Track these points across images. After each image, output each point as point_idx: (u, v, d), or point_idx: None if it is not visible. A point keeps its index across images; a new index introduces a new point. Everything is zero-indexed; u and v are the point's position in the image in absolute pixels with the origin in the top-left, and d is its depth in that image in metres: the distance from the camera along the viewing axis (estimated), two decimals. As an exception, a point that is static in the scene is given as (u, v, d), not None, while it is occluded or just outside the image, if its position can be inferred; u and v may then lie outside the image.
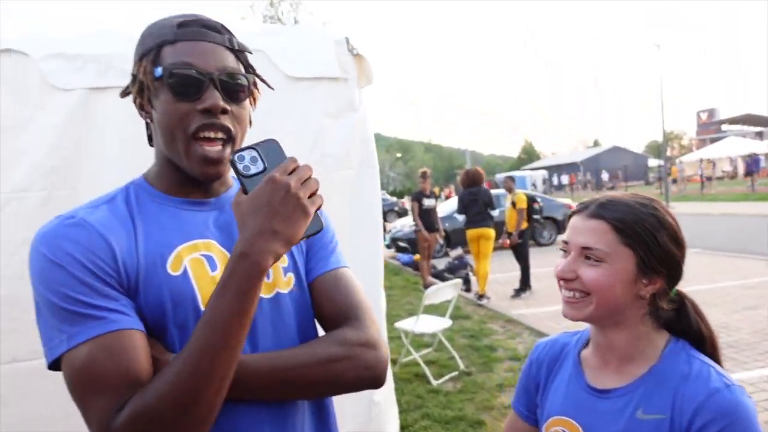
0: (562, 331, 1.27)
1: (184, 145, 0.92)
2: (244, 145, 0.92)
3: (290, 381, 0.90)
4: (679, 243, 1.04)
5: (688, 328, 1.07)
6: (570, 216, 1.10)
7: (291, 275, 1.03)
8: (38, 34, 1.99)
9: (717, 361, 1.05)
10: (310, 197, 0.85)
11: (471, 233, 7.87)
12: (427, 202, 8.83)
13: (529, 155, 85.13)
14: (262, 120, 2.11)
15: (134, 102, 0.99)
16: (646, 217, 1.01)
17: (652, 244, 1.00)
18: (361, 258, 2.22)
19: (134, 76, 0.97)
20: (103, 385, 0.79)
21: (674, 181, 29.71)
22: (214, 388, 0.80)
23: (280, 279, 1.01)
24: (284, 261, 1.02)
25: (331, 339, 0.96)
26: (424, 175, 9.08)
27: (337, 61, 2.11)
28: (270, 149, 0.88)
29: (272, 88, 1.10)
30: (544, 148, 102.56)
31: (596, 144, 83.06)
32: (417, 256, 11.23)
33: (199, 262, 0.92)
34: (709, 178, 29.37)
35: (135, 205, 0.95)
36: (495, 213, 8.07)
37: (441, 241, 8.88)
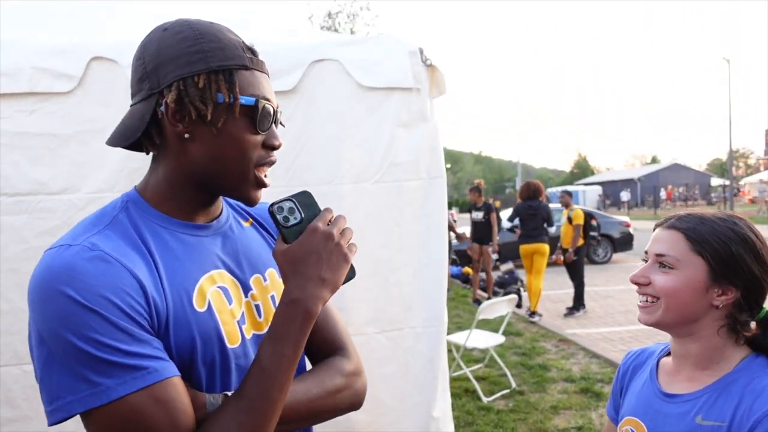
0: (618, 353, 1.34)
1: (245, 173, 0.90)
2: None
3: (305, 413, 0.92)
4: (759, 259, 1.06)
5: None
6: (654, 229, 1.18)
7: None
8: (128, 41, 2.08)
9: None
10: (347, 246, 0.89)
11: (526, 248, 7.65)
12: (474, 215, 8.75)
13: (582, 170, 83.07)
14: (335, 128, 2.16)
15: (164, 108, 0.85)
16: (722, 230, 1.06)
17: (724, 253, 1.04)
18: (429, 267, 2.21)
19: (182, 81, 0.85)
20: None
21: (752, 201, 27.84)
22: (270, 429, 0.83)
23: (270, 312, 0.99)
24: (277, 289, 1.01)
25: (333, 370, 0.99)
26: (476, 188, 8.98)
27: (411, 72, 2.12)
28: (306, 200, 0.91)
29: (283, 125, 1.05)
30: (597, 162, 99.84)
31: (654, 160, 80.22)
32: (467, 269, 11.12)
33: (219, 295, 0.90)
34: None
35: (143, 228, 0.87)
36: (552, 229, 7.86)
37: (493, 255, 8.69)
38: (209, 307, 0.88)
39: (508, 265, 10.51)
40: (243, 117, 0.87)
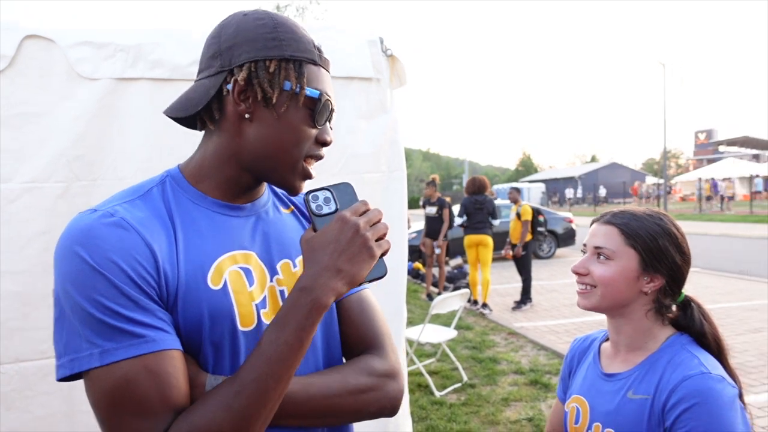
0: (564, 345, 1.50)
1: (295, 161, 0.90)
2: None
3: (322, 410, 0.89)
4: (681, 250, 1.22)
5: (692, 326, 1.22)
6: (591, 224, 1.32)
7: None
8: (66, 21, 1.92)
9: (723, 359, 1.18)
10: (377, 240, 0.85)
11: (470, 239, 7.93)
12: (428, 209, 8.80)
13: (526, 168, 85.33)
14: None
15: (231, 85, 0.87)
16: (650, 225, 1.21)
17: (653, 246, 1.19)
18: (388, 263, 2.16)
19: (255, 63, 0.86)
20: (142, 408, 0.75)
21: (708, 198, 28.99)
22: (263, 419, 0.79)
23: None
24: None
25: (360, 368, 0.95)
26: (432, 182, 9.03)
27: (370, 61, 2.06)
28: (344, 191, 0.90)
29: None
30: (541, 161, 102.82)
31: (594, 159, 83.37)
32: (417, 264, 11.18)
33: (238, 276, 0.88)
34: (731, 197, 28.77)
35: (173, 203, 0.89)
36: (496, 223, 8.12)
37: (436, 251, 8.77)
38: (225, 285, 0.85)
39: (458, 260, 10.66)
40: (304, 108, 0.88)
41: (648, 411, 1.12)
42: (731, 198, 28.23)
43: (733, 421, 1.04)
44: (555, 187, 48.92)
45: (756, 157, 45.97)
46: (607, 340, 1.34)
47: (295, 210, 1.06)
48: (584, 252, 1.28)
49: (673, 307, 1.25)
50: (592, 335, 1.43)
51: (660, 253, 1.20)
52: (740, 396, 1.10)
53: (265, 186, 1.00)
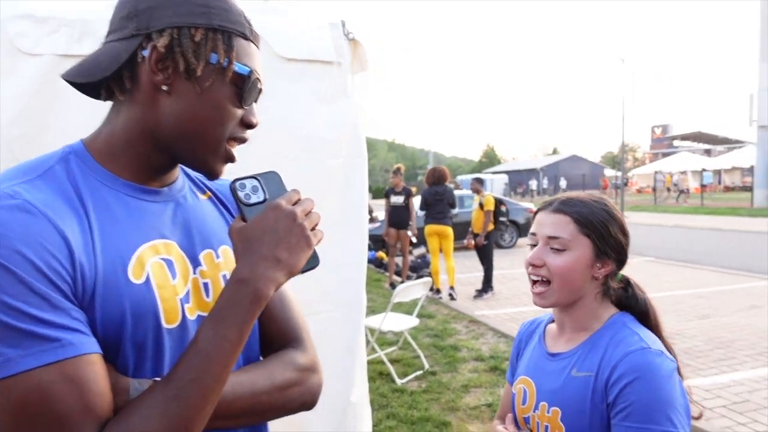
0: None
1: (218, 142, 0.83)
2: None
3: (250, 408, 0.84)
4: (625, 233, 1.25)
5: (635, 304, 1.26)
6: (536, 213, 1.30)
7: None
8: (5, -8, 1.80)
9: (658, 333, 1.22)
10: (312, 230, 0.82)
11: (431, 228, 8.04)
12: (394, 199, 8.78)
13: (490, 159, 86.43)
14: (250, 101, 2.01)
15: (148, 52, 0.78)
16: (600, 212, 1.22)
17: (605, 233, 1.20)
18: (348, 250, 2.14)
19: (178, 30, 0.78)
20: (62, 423, 0.65)
21: (668, 189, 29.86)
22: (201, 424, 0.73)
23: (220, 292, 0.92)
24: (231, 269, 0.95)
25: (284, 363, 0.91)
26: (393, 172, 9.02)
27: (332, 44, 2.02)
28: (271, 180, 0.86)
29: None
30: (505, 152, 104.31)
31: (555, 152, 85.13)
32: (380, 253, 11.20)
33: (161, 268, 0.80)
34: (687, 191, 29.51)
35: (81, 184, 0.78)
36: (455, 212, 8.27)
37: (413, 239, 8.85)
38: (147, 279, 0.77)
39: (421, 250, 10.71)
40: (231, 85, 0.81)
41: (591, 387, 1.14)
42: (687, 191, 29.13)
43: (672, 393, 1.07)
44: (518, 179, 49.73)
45: (707, 152, 47.82)
46: (553, 321, 1.36)
47: (212, 196, 0.99)
48: (534, 243, 1.26)
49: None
50: (539, 318, 1.45)
51: (611, 239, 1.21)
52: (678, 370, 1.14)
53: (179, 169, 0.92)
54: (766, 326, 6.04)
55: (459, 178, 36.73)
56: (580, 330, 1.24)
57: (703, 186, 29.38)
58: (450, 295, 7.95)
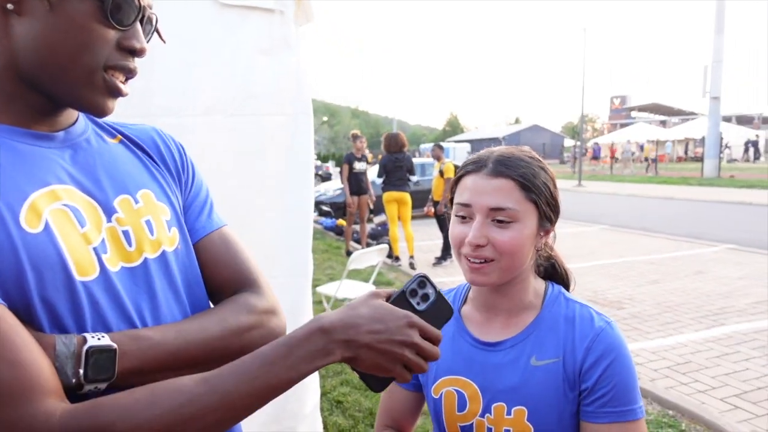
0: None
1: (88, 71, 0.72)
2: None
3: (203, 355, 0.78)
4: (557, 188, 1.06)
5: (559, 272, 1.13)
6: (461, 176, 1.04)
7: (175, 230, 0.86)
8: None
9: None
10: (404, 367, 0.73)
11: (390, 195, 8.02)
12: (358, 166, 8.62)
13: (453, 128, 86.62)
14: (184, 50, 1.85)
15: None
16: (539, 171, 1.01)
17: (548, 195, 1.01)
18: (292, 212, 2.03)
19: None
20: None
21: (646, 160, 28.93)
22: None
23: (164, 235, 0.83)
24: (166, 213, 0.85)
25: (238, 306, 0.86)
26: (354, 137, 8.85)
27: (272, -9, 1.86)
28: (441, 303, 0.79)
29: (164, 41, 0.87)
30: (468, 122, 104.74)
31: (517, 121, 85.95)
32: (340, 221, 11.10)
33: (64, 215, 0.71)
34: (654, 160, 29.08)
35: None
36: (414, 179, 8.23)
37: (371, 206, 8.79)
38: (47, 227, 0.69)
39: (381, 217, 10.67)
40: (90, 0, 0.70)
41: (561, 374, 1.00)
42: (654, 160, 29.11)
43: (633, 362, 1.02)
44: (481, 148, 50.02)
45: (663, 123, 49.12)
46: (464, 303, 1.15)
47: (123, 139, 0.88)
48: (464, 215, 1.01)
49: None
50: None
51: (554, 203, 1.03)
52: None
53: (76, 111, 0.82)
54: (711, 290, 6.28)
55: (422, 146, 36.69)
56: (520, 310, 1.06)
57: (659, 156, 30.09)
58: (410, 264, 7.95)
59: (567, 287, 1.13)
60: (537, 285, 1.09)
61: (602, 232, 11.09)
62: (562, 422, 1.00)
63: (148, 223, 0.81)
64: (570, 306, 1.06)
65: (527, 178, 0.99)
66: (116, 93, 0.75)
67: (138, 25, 0.75)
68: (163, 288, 0.81)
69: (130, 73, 0.76)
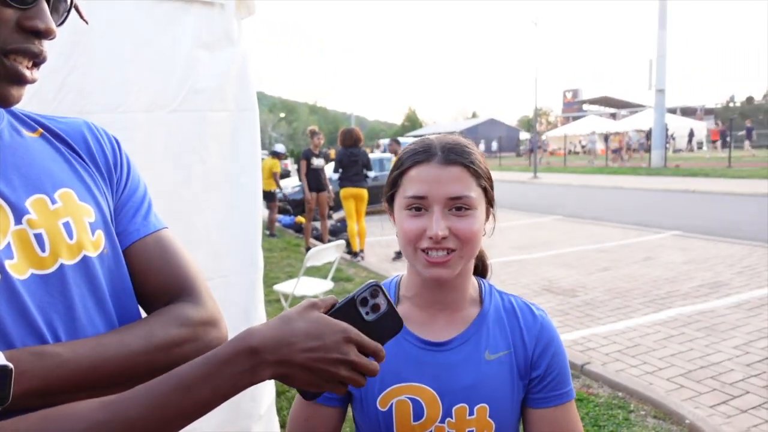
0: None
1: None
2: None
3: (125, 373, 0.71)
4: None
5: (481, 263, 1.13)
6: (407, 168, 0.97)
7: (101, 233, 0.78)
8: None
9: None
10: (338, 381, 0.70)
11: (348, 191, 8.01)
12: (316, 162, 8.55)
13: (412, 123, 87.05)
14: (120, 45, 1.79)
15: None
16: (481, 158, 0.99)
17: (490, 180, 1.00)
18: (239, 208, 2.00)
19: None
20: None
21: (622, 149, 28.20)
22: None
23: (86, 238, 0.75)
24: (90, 215, 0.78)
25: (169, 318, 0.79)
26: (312, 133, 8.78)
27: (211, -17, 1.82)
28: (394, 321, 0.76)
29: (86, 22, 0.79)
30: (426, 116, 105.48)
31: (474, 115, 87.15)
32: (299, 218, 11.00)
33: None
34: (616, 150, 28.53)
35: None
36: (371, 175, 8.24)
37: (331, 203, 8.76)
38: None
39: (341, 214, 10.63)
40: None
41: (514, 365, 1.00)
42: (629, 149, 29.03)
43: None
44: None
45: (613, 116, 50.67)
46: (398, 303, 1.07)
47: (45, 133, 0.80)
48: (417, 207, 0.94)
49: None
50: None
51: (493, 186, 1.01)
52: None
53: None
54: (658, 276, 6.54)
55: (381, 141, 36.69)
56: (462, 304, 1.03)
57: (610, 150, 30.89)
58: (358, 256, 8.00)
59: (484, 277, 1.14)
60: (473, 279, 1.07)
61: (557, 222, 11.38)
62: (513, 413, 1.01)
63: (66, 225, 0.74)
64: (504, 297, 1.08)
65: (476, 164, 0.96)
66: (20, 80, 0.67)
67: (43, 3, 0.67)
68: (83, 297, 0.74)
69: (36, 57, 0.68)
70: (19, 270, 0.67)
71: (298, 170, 8.86)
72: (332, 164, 8.89)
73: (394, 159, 8.20)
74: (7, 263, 0.66)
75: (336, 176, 8.20)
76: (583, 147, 40.73)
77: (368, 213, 8.32)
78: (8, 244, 0.68)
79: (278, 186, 10.52)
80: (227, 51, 1.88)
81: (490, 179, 1.00)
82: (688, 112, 47.80)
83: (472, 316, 1.03)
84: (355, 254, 8.08)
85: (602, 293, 5.95)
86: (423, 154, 0.96)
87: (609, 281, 6.43)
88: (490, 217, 1.03)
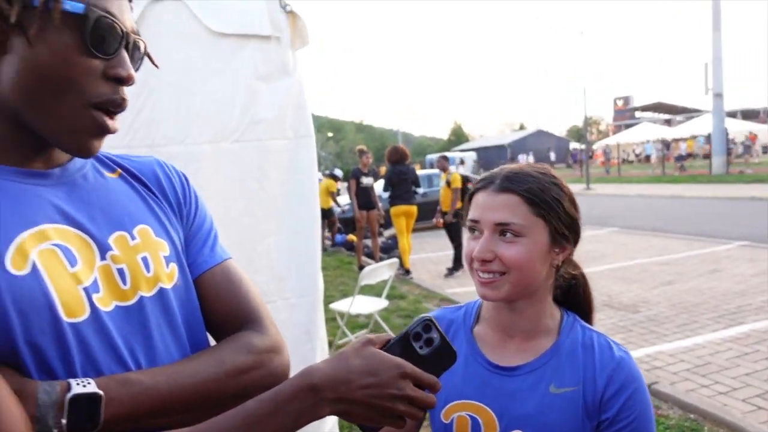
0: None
1: (74, 109, 0.70)
2: None
3: (197, 400, 0.75)
4: (576, 207, 1.05)
5: (580, 299, 1.11)
6: (473, 193, 1.06)
7: (174, 266, 0.83)
8: None
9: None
10: (397, 416, 0.72)
11: (399, 209, 8.07)
12: (365, 180, 8.65)
13: (458, 137, 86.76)
14: (185, 80, 1.89)
15: None
16: (551, 186, 1.01)
17: (559, 211, 1.00)
18: (300, 233, 2.05)
19: None
20: None
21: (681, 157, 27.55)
22: None
23: (161, 271, 0.80)
24: (165, 249, 0.83)
25: (237, 346, 0.82)
26: (361, 152, 8.90)
27: (267, 18, 1.89)
28: (446, 348, 0.76)
29: (157, 66, 0.86)
30: (472, 130, 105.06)
31: (522, 127, 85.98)
32: (351, 236, 11.11)
33: (52, 255, 0.69)
34: (681, 158, 27.81)
35: None
36: (420, 191, 8.29)
37: (381, 221, 8.82)
38: (34, 269, 0.67)
39: (391, 231, 10.67)
40: (70, 30, 0.68)
41: (581, 404, 0.98)
42: (688, 156, 27.81)
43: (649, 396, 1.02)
44: (486, 155, 50.00)
45: (668, 122, 48.91)
46: (476, 323, 1.12)
47: (124, 174, 0.86)
48: (474, 230, 1.02)
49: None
50: (445, 316, 1.16)
51: (567, 218, 1.01)
52: None
53: None
54: (727, 289, 6.21)
55: (428, 157, 36.74)
56: (536, 333, 1.04)
57: (666, 156, 29.74)
58: (408, 278, 7.92)
59: (587, 314, 1.11)
60: (553, 309, 1.07)
61: (613, 234, 11.02)
62: None
63: (144, 259, 0.79)
64: (587, 334, 1.05)
65: (534, 192, 0.99)
66: (104, 132, 0.74)
67: (123, 52, 0.73)
68: (160, 327, 0.78)
69: (120, 107, 0.74)
70: (104, 303, 0.73)
71: (348, 189, 8.98)
72: (381, 181, 8.97)
73: (443, 175, 8.22)
74: (95, 297, 0.72)
75: (386, 194, 8.26)
76: (637, 155, 39.39)
77: (417, 229, 8.32)
78: (95, 279, 0.73)
79: (335, 202, 11.11)
80: (284, 81, 1.95)
81: (559, 210, 1.00)
82: (750, 115, 45.50)
83: (545, 346, 1.03)
84: (407, 271, 8.06)
85: (667, 308, 5.70)
86: (484, 181, 1.04)
87: (674, 295, 6.15)
88: (567, 249, 1.04)
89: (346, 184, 9.54)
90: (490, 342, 1.07)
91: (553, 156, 43.12)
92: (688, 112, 48.95)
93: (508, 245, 0.97)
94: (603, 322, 5.32)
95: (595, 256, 8.76)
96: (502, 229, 0.98)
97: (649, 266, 7.76)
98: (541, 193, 0.99)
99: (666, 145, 30.36)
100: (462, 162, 32.45)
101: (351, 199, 8.88)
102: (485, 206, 1.00)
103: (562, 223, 1.00)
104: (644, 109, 56.61)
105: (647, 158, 30.67)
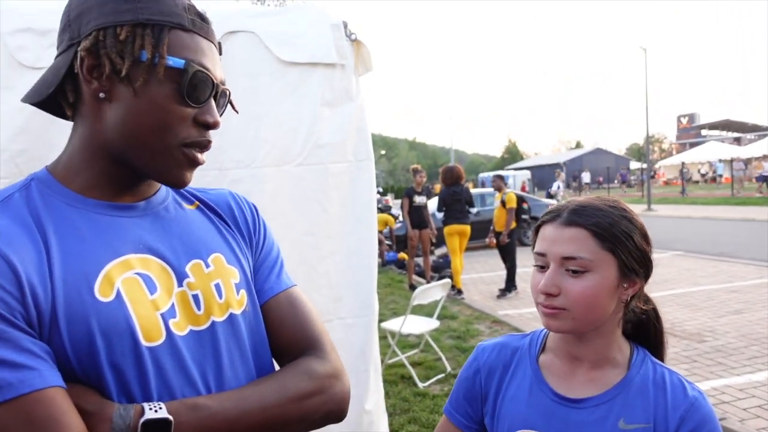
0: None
1: (168, 148, 0.78)
2: None
3: (261, 424, 0.79)
4: (648, 241, 1.03)
5: (650, 334, 1.09)
6: (539, 226, 1.05)
7: (244, 293, 0.89)
8: (4, 6, 1.81)
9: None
10: None
11: (452, 228, 8.03)
12: (418, 199, 8.68)
13: (512, 155, 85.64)
14: (253, 106, 1.99)
15: (79, 62, 0.76)
16: (620, 219, 0.99)
17: (630, 245, 0.98)
18: (358, 254, 2.10)
19: (103, 31, 0.75)
20: None
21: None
22: None
23: (232, 297, 0.86)
24: (236, 276, 0.88)
25: (299, 372, 0.86)
26: (415, 171, 8.95)
27: (334, 46, 1.97)
28: None
29: (237, 111, 0.96)
30: (526, 148, 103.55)
31: (578, 145, 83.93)
32: (402, 254, 11.14)
33: (134, 283, 0.76)
34: (763, 178, 24.60)
35: (42, 208, 0.76)
36: (474, 211, 8.25)
37: (434, 239, 8.82)
38: (118, 296, 0.73)
39: (442, 249, 10.63)
40: (169, 82, 0.77)
41: None
42: (713, 181, 26.78)
43: None
44: (540, 174, 49.02)
45: (737, 140, 46.52)
46: (543, 351, 1.10)
47: (201, 205, 0.94)
48: (541, 264, 1.01)
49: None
50: (510, 343, 1.14)
51: (638, 253, 0.99)
52: None
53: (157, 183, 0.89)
54: (804, 320, 5.81)
55: (481, 175, 36.45)
56: (603, 366, 1.02)
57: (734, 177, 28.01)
58: (460, 299, 7.86)
59: (657, 349, 1.09)
60: (622, 343, 1.05)
61: (677, 258, 10.53)
62: None
63: (217, 286, 0.84)
64: (659, 370, 1.02)
65: (602, 227, 0.97)
66: (195, 164, 0.82)
67: (212, 101, 0.81)
68: (230, 351, 0.83)
69: (205, 148, 0.82)
70: (180, 327, 0.79)
71: (402, 207, 9.03)
72: (435, 200, 8.98)
73: (498, 195, 8.14)
74: (171, 322, 0.78)
75: (440, 214, 8.27)
76: (703, 175, 37.62)
77: (469, 248, 8.26)
78: (172, 305, 0.79)
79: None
80: (347, 107, 2.02)
81: (629, 244, 0.98)
82: (829, 133, 42.61)
83: (614, 380, 1.01)
84: (459, 291, 8.00)
85: (736, 339, 5.38)
86: (551, 214, 1.03)
87: (743, 325, 5.80)
88: (637, 284, 1.02)
89: (396, 201, 9.61)
90: (555, 372, 1.06)
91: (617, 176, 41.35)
92: (761, 131, 46.39)
93: (575, 280, 0.96)
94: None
95: (657, 280, 8.32)
96: (568, 264, 0.96)
97: (715, 293, 7.37)
98: (609, 227, 0.97)
99: (745, 163, 28.42)
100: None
101: (404, 217, 8.92)
102: (552, 239, 0.99)
103: (633, 258, 0.98)
104: (711, 126, 54.10)
105: (713, 179, 29.07)
